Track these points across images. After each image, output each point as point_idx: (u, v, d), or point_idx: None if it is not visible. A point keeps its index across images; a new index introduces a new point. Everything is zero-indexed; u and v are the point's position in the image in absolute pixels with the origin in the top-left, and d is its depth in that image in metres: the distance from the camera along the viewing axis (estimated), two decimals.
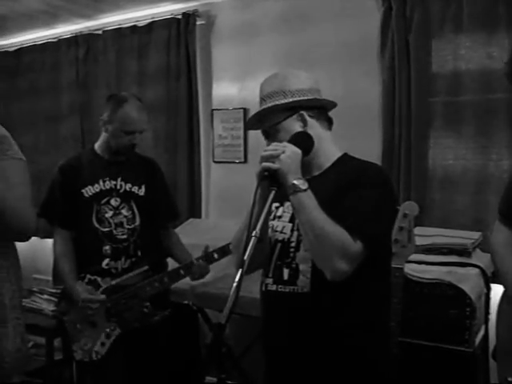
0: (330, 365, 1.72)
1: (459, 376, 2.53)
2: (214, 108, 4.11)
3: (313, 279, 1.72)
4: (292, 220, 1.81)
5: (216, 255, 2.81)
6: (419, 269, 2.68)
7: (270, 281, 1.83)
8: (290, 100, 1.81)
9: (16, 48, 5.14)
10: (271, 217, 1.86)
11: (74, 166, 2.81)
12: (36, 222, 1.86)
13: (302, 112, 1.82)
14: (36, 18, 4.55)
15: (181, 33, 4.08)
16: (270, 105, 1.83)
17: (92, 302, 2.64)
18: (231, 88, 4.05)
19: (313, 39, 3.65)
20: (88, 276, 2.73)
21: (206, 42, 4.12)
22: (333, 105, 1.93)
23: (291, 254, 1.79)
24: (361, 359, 1.73)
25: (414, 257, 2.58)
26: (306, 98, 1.82)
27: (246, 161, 3.98)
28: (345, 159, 1.86)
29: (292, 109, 1.82)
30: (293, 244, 1.79)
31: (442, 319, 2.55)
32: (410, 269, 2.64)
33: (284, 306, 1.79)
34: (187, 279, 2.85)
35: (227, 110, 4.04)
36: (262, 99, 1.87)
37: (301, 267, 1.75)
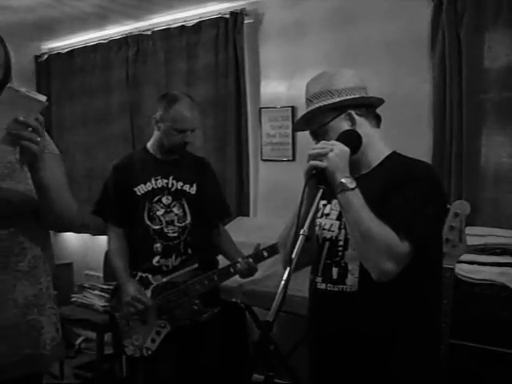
0: (376, 365, 1.71)
1: (510, 380, 2.47)
2: (262, 106, 4.12)
3: (361, 278, 1.71)
4: (339, 218, 1.80)
5: (266, 253, 2.81)
6: (471, 269, 2.62)
7: (319, 279, 1.82)
8: (337, 100, 1.79)
9: (68, 50, 5.26)
10: (319, 215, 1.84)
11: (127, 165, 2.86)
12: (80, 213, 1.92)
13: (349, 111, 1.79)
14: (87, 20, 4.65)
15: (229, 32, 4.10)
16: (316, 106, 1.81)
17: (138, 302, 2.68)
18: (279, 86, 4.04)
19: (361, 36, 3.61)
20: (139, 273, 2.78)
21: (253, 40, 4.13)
22: (380, 102, 1.90)
23: (339, 253, 1.77)
24: (408, 360, 1.71)
25: (465, 257, 2.53)
26: (353, 96, 1.80)
27: (294, 159, 3.97)
28: (393, 157, 1.83)
29: (339, 108, 1.80)
30: (341, 242, 1.78)
31: (494, 321, 2.49)
32: (461, 269, 2.59)
33: (332, 304, 1.78)
34: (236, 277, 2.86)
35: (275, 108, 4.04)
36: (309, 100, 1.86)
37: (349, 266, 1.74)
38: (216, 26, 4.18)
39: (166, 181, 2.82)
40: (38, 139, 1.59)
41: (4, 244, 1.76)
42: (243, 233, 3.51)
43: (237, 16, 4.06)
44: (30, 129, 1.57)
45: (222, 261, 2.97)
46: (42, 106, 1.57)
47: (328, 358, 1.81)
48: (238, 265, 2.79)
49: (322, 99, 1.80)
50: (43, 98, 1.55)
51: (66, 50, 5.28)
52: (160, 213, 2.79)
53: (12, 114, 1.53)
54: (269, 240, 2.83)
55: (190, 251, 2.80)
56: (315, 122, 1.84)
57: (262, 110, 4.11)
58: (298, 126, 1.96)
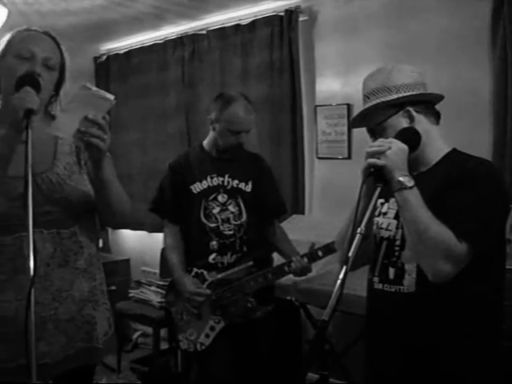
0: (433, 367, 1.67)
1: None
2: (317, 104, 4.09)
3: (418, 279, 1.68)
4: (397, 217, 1.77)
5: (321, 253, 2.80)
6: None
7: (376, 279, 1.80)
8: (395, 96, 1.76)
9: (126, 50, 5.36)
10: (376, 213, 1.82)
11: (183, 164, 2.90)
12: (133, 209, 1.98)
13: (408, 108, 1.76)
14: (144, 21, 4.72)
15: (283, 29, 4.09)
16: (374, 102, 1.79)
17: (198, 295, 2.71)
18: (335, 84, 4.01)
19: (417, 30, 3.54)
20: (195, 269, 2.82)
21: (308, 37, 4.10)
22: (440, 98, 1.85)
23: (396, 253, 1.75)
24: (466, 363, 1.67)
25: None
26: (411, 93, 1.77)
27: (349, 157, 3.93)
28: (453, 155, 1.78)
29: (398, 105, 1.76)
30: (398, 242, 1.75)
31: None
32: None
33: (389, 305, 1.75)
34: (290, 275, 2.86)
35: (331, 105, 4.00)
36: (366, 96, 1.83)
37: (406, 266, 1.71)
38: (271, 24, 4.18)
39: (221, 179, 2.85)
40: (105, 137, 1.65)
41: (65, 242, 1.84)
42: (298, 231, 3.50)
43: (291, 14, 4.04)
44: (97, 126, 1.63)
45: (277, 258, 2.97)
46: (111, 105, 1.63)
47: (385, 357, 1.79)
48: (293, 264, 2.78)
49: (380, 96, 1.78)
50: (112, 97, 1.61)
51: (123, 51, 5.38)
52: (216, 211, 2.82)
53: (83, 111, 1.58)
54: (324, 238, 2.82)
55: (245, 249, 2.82)
56: (372, 119, 1.81)
57: (318, 107, 4.09)
58: (355, 122, 1.93)
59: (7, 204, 1.72)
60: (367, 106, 1.81)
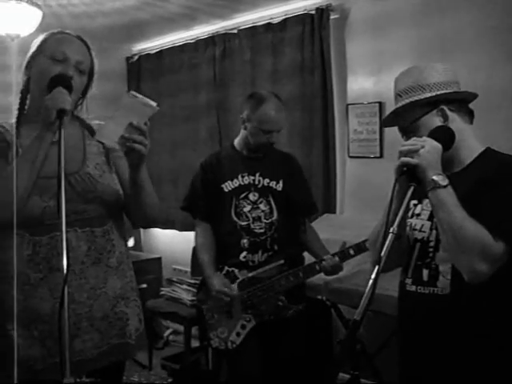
0: (467, 370, 1.65)
1: None
2: (348, 103, 4.07)
3: (453, 281, 1.65)
4: (431, 218, 1.75)
5: (352, 251, 2.78)
6: None
7: (409, 281, 1.78)
8: (429, 95, 1.74)
9: (157, 50, 5.40)
10: (409, 214, 1.80)
11: (214, 163, 2.91)
12: (163, 208, 2.01)
13: (442, 107, 1.74)
14: (175, 20, 4.76)
15: (315, 28, 4.07)
16: (407, 101, 1.77)
17: (224, 295, 2.72)
18: (366, 82, 3.98)
19: (451, 27, 3.49)
20: (226, 268, 2.83)
21: (340, 35, 4.08)
22: (473, 96, 1.82)
23: (430, 254, 1.73)
24: (500, 367, 1.64)
25: None
26: (445, 91, 1.74)
27: (381, 156, 3.89)
28: (488, 154, 1.75)
29: (431, 104, 1.74)
30: (432, 243, 1.73)
31: None
32: None
33: (423, 307, 1.73)
34: (321, 274, 2.85)
35: (362, 104, 3.98)
36: (398, 95, 1.81)
37: (441, 268, 1.69)
38: (302, 23, 4.16)
39: (252, 177, 2.85)
40: (147, 142, 1.70)
41: (99, 241, 1.87)
42: (330, 230, 3.48)
43: (322, 12, 4.02)
44: (140, 132, 1.69)
45: (308, 258, 2.97)
46: (153, 112, 1.68)
47: (419, 359, 1.77)
48: (324, 262, 2.78)
49: (413, 94, 1.76)
50: (154, 104, 1.67)
51: (154, 51, 5.43)
52: (247, 209, 2.82)
53: (128, 118, 1.64)
54: (355, 238, 2.80)
55: (276, 247, 2.82)
56: (405, 117, 1.79)
57: (349, 106, 4.06)
58: (388, 121, 1.91)
59: (42, 204, 1.75)
60: (400, 104, 1.79)
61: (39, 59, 1.84)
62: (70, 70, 1.80)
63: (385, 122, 1.93)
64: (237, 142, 2.93)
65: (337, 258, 2.78)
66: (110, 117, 1.66)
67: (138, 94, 1.65)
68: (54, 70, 1.78)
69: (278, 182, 2.87)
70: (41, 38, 1.88)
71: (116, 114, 1.66)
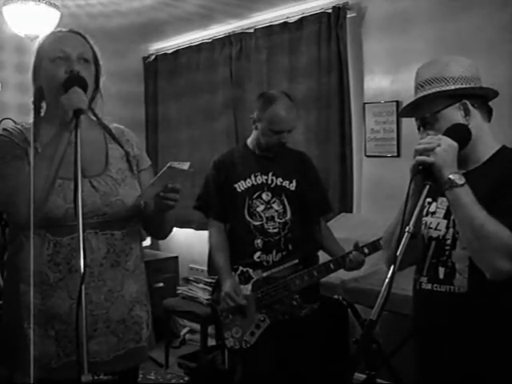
0: (484, 368, 1.64)
1: None
2: (365, 101, 4.04)
3: (470, 279, 1.64)
4: (447, 216, 1.73)
5: (366, 250, 2.77)
6: None
7: (424, 279, 1.77)
8: (453, 87, 1.71)
9: (174, 50, 5.41)
10: (424, 213, 1.79)
11: (227, 162, 2.91)
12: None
13: (465, 101, 1.71)
14: (192, 20, 4.77)
15: (331, 27, 4.05)
16: (430, 91, 1.74)
17: (231, 300, 2.72)
18: (383, 81, 3.95)
19: (469, 26, 3.44)
20: (240, 268, 2.82)
21: (356, 34, 4.06)
22: (495, 94, 1.80)
23: (447, 252, 1.71)
24: None
25: None
26: (470, 86, 1.72)
27: (398, 155, 3.86)
28: (504, 152, 1.74)
29: (455, 97, 1.72)
30: (448, 242, 1.71)
31: None
32: None
33: (438, 305, 1.72)
34: (338, 273, 2.84)
35: (379, 103, 3.95)
36: (420, 85, 1.78)
37: (457, 266, 1.68)
38: (318, 22, 4.14)
39: (265, 177, 2.84)
40: (178, 197, 1.79)
41: (118, 244, 1.88)
42: (346, 229, 3.47)
43: (339, 10, 4.00)
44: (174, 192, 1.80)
45: (323, 257, 2.95)
46: (187, 175, 1.79)
47: (435, 358, 1.75)
48: (351, 255, 2.74)
49: (436, 85, 1.73)
50: (191, 169, 1.77)
51: (171, 51, 5.44)
52: (260, 209, 2.82)
53: (166, 182, 1.77)
54: (372, 237, 2.79)
55: (290, 247, 2.81)
56: (425, 108, 1.76)
57: (366, 105, 4.04)
58: (405, 112, 1.88)
59: (65, 205, 1.76)
60: (422, 94, 1.76)
61: (42, 64, 1.85)
62: (74, 64, 1.81)
63: (401, 113, 1.91)
64: (249, 141, 2.93)
65: (356, 253, 2.75)
66: (150, 184, 1.81)
67: (177, 165, 1.75)
68: (60, 70, 1.79)
69: (291, 182, 2.86)
70: (36, 45, 1.90)
71: (156, 181, 1.78)
